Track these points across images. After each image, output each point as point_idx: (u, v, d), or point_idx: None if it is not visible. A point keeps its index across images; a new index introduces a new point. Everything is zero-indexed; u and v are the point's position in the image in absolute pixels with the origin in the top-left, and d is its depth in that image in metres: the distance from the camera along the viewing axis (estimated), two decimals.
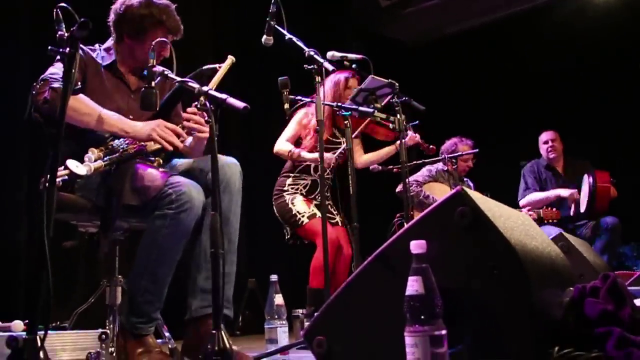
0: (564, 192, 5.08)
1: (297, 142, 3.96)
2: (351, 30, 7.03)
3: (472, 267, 1.43)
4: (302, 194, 3.91)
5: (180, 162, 2.60)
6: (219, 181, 1.97)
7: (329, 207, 3.95)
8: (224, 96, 1.91)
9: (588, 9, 6.47)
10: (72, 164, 2.03)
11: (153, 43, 2.16)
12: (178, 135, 2.29)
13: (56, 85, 2.25)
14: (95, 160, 2.12)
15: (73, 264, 3.40)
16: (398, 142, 3.86)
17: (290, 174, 3.97)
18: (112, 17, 2.57)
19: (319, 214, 3.76)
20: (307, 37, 3.48)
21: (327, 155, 3.75)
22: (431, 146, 4.25)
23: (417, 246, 1.40)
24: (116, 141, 2.31)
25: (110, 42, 2.62)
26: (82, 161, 2.09)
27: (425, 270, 1.39)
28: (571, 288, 1.69)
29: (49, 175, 1.49)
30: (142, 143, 2.29)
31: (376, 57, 4.14)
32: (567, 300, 1.67)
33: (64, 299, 3.18)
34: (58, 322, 2.52)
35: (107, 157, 2.17)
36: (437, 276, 1.39)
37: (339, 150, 3.79)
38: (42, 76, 2.34)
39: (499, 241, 1.41)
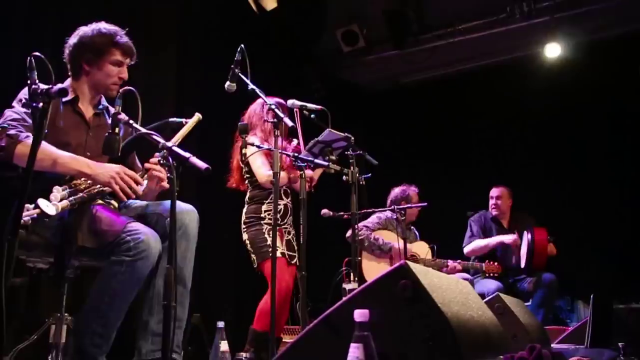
0: (507, 239, 5.24)
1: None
2: (313, 72, 7.21)
3: (411, 337, 1.53)
4: (277, 224, 3.89)
5: (136, 204, 2.63)
6: (177, 226, 2.01)
7: (292, 240, 3.98)
8: (187, 155, 1.98)
9: (540, 70, 6.78)
10: (43, 203, 2.05)
11: (120, 91, 2.21)
12: (136, 183, 2.33)
13: (12, 132, 2.32)
14: (61, 200, 2.14)
15: (14, 299, 3.32)
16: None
17: (264, 200, 3.93)
18: (67, 51, 2.66)
19: (286, 253, 3.83)
20: (271, 77, 3.59)
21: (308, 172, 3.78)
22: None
23: (360, 315, 1.50)
24: (78, 179, 2.34)
25: (69, 81, 2.68)
26: (45, 198, 2.11)
27: (367, 338, 1.48)
28: (501, 357, 1.81)
29: (11, 227, 1.51)
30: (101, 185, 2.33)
31: (335, 99, 4.30)
32: None
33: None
34: None
35: (72, 197, 2.20)
36: (377, 343, 1.49)
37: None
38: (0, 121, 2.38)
39: (436, 314, 1.52)
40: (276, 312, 3.60)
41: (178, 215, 2.35)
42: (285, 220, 3.97)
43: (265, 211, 3.91)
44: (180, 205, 2.48)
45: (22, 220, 2.01)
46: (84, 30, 2.63)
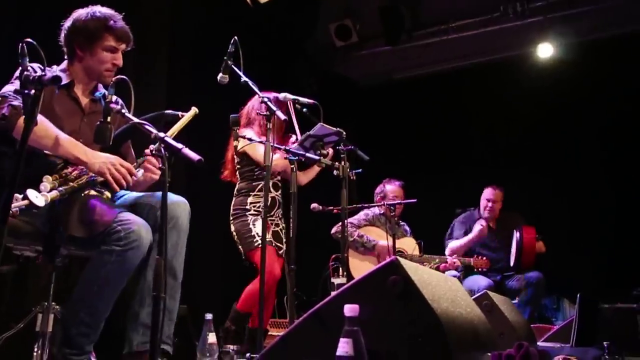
0: (476, 232, 5.20)
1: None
2: (306, 67, 7.20)
3: (400, 333, 1.53)
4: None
5: (128, 195, 2.61)
6: (168, 218, 2.00)
7: (280, 232, 4.00)
8: (179, 146, 1.96)
9: (532, 69, 6.81)
10: (32, 194, 2.02)
11: (113, 79, 2.19)
12: (130, 175, 2.31)
13: (16, 103, 2.27)
14: (51, 190, 2.12)
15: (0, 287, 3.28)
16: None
17: (251, 193, 3.96)
18: (62, 34, 2.60)
19: (273, 242, 3.84)
20: (263, 72, 3.58)
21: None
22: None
23: (350, 310, 1.50)
24: (69, 169, 2.31)
25: (65, 64, 2.63)
26: (35, 187, 2.08)
27: (356, 333, 1.49)
28: (489, 354, 1.82)
29: (0, 214, 1.50)
30: (92, 174, 2.31)
31: (328, 94, 4.31)
32: None
33: None
34: None
35: (62, 187, 2.17)
36: (367, 338, 1.49)
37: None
38: (1, 92, 2.34)
39: (426, 311, 1.52)
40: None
41: (169, 207, 2.33)
42: (273, 213, 3.97)
43: (250, 203, 3.94)
44: (172, 197, 2.45)
45: (8, 216, 1.99)
46: (79, 13, 2.58)
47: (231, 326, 3.83)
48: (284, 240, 3.99)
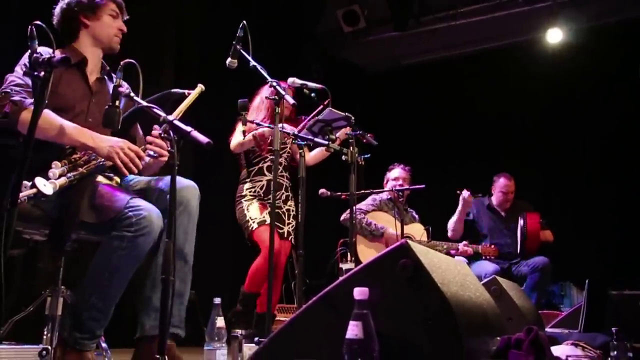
0: (460, 203, 5.17)
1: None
2: (313, 53, 7.17)
3: (410, 317, 1.53)
4: (260, 199, 3.97)
5: (137, 180, 2.60)
6: (178, 202, 1.99)
7: (282, 215, 4.02)
8: (188, 129, 1.95)
9: (541, 55, 6.76)
10: (40, 182, 2.01)
11: (121, 63, 2.18)
12: (139, 158, 2.31)
13: (17, 98, 2.28)
14: (60, 177, 2.11)
15: (8, 270, 3.29)
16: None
17: (247, 179, 4.04)
18: (59, 11, 2.62)
19: (268, 220, 3.81)
20: (270, 57, 3.57)
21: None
22: (368, 134, 3.77)
23: (359, 293, 1.50)
24: (78, 154, 2.31)
25: (69, 47, 2.62)
26: (44, 174, 2.08)
27: (366, 316, 1.49)
28: (498, 338, 1.81)
29: (10, 197, 1.50)
30: (101, 159, 2.30)
31: (335, 79, 4.32)
32: (493, 349, 1.79)
33: None
34: None
35: (71, 173, 2.16)
36: (376, 321, 1.49)
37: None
38: (2, 87, 2.34)
39: (436, 294, 1.51)
40: (263, 276, 3.67)
41: (179, 192, 2.35)
42: (270, 197, 3.98)
43: (246, 189, 4.03)
44: (181, 181, 2.46)
45: (18, 200, 1.99)
46: None
47: (239, 308, 3.91)
48: (287, 222, 4.01)
